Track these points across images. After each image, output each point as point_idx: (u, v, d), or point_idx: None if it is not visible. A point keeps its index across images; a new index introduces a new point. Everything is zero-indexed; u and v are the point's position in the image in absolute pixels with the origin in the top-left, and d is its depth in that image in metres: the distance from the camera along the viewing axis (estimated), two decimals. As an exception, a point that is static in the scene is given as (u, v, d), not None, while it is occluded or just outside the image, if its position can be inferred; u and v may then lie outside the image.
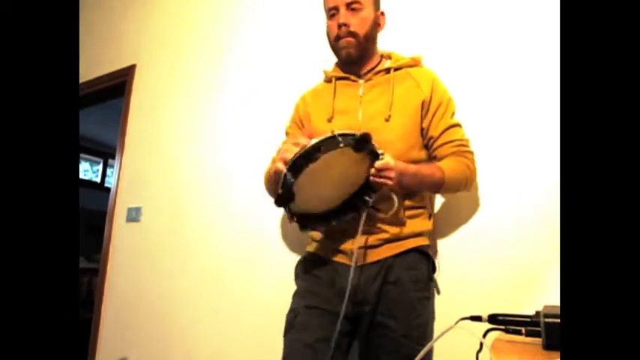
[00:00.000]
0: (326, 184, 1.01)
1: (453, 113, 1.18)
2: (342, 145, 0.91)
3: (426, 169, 1.10)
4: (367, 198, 1.03)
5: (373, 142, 0.95)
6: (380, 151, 0.97)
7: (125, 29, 2.59)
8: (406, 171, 1.03)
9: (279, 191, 0.95)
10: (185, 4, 2.29)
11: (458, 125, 1.17)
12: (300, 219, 1.04)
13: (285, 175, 0.92)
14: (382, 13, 1.24)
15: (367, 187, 1.03)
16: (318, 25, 1.29)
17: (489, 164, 1.27)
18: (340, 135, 0.92)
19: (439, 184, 1.09)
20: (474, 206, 1.29)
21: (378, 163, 0.97)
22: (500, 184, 1.26)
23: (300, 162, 0.91)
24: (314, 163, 0.91)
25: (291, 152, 0.93)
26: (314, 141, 0.92)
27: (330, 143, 0.92)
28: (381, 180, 0.99)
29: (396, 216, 1.08)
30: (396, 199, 1.03)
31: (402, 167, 1.01)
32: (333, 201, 1.06)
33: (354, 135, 0.94)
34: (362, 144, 0.94)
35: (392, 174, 0.98)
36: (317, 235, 1.19)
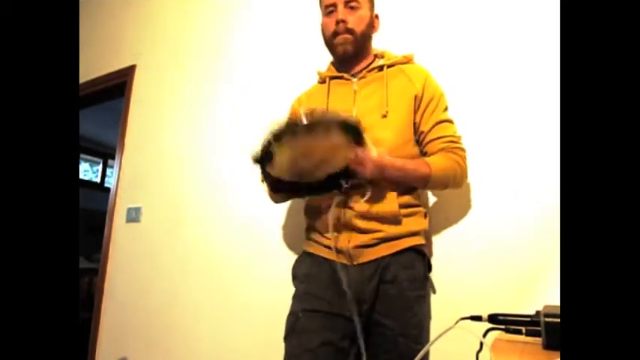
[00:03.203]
0: (307, 159, 1.01)
1: (445, 109, 1.18)
2: (328, 124, 0.95)
3: (411, 163, 1.09)
4: (342, 182, 1.02)
5: (362, 130, 0.97)
6: (367, 142, 0.98)
7: (125, 29, 2.60)
8: (391, 164, 1.03)
9: (259, 151, 0.98)
10: (185, 4, 2.29)
11: (449, 121, 1.17)
12: (273, 182, 1.05)
13: (269, 138, 0.95)
14: (377, 16, 1.25)
15: (346, 173, 1.03)
16: (318, 25, 1.29)
17: (486, 162, 1.27)
18: (333, 120, 0.95)
19: (425, 179, 1.09)
20: (472, 205, 1.29)
21: (359, 151, 0.98)
22: (498, 183, 1.26)
23: (285, 132, 0.94)
24: (298, 135, 0.94)
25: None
26: (306, 114, 0.95)
27: (320, 125, 0.95)
28: (357, 167, 0.99)
29: (389, 215, 1.08)
30: (369, 189, 1.04)
31: (387, 160, 1.01)
32: (310, 176, 1.05)
33: (345, 121, 0.96)
34: (350, 129, 0.96)
35: (369, 164, 0.99)
36: (312, 233, 1.19)
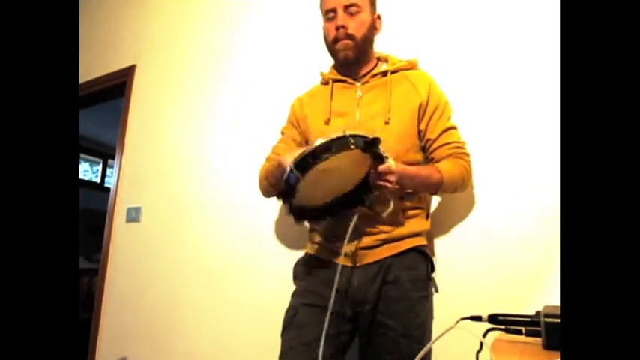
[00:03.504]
0: (326, 181, 1.01)
1: (450, 116, 1.19)
2: (352, 147, 0.89)
3: (424, 170, 1.10)
4: (363, 197, 1.02)
5: (381, 147, 0.94)
6: (385, 155, 0.96)
7: (125, 29, 2.59)
8: (405, 173, 1.03)
9: (283, 187, 0.93)
10: (185, 4, 2.29)
11: (454, 128, 1.18)
12: (296, 212, 1.03)
13: (291, 171, 0.89)
14: (379, 17, 1.24)
15: (365, 185, 1.03)
16: (318, 25, 1.29)
17: (487, 163, 1.27)
18: (351, 136, 0.90)
19: (437, 186, 1.10)
20: (473, 206, 1.29)
21: (382, 167, 0.96)
22: (498, 184, 1.26)
23: (309, 160, 0.89)
24: (322, 162, 0.89)
25: (291, 156, 0.92)
26: (323, 140, 0.89)
27: (340, 143, 0.89)
28: (382, 183, 0.98)
29: (392, 217, 1.07)
30: (392, 201, 1.03)
31: (401, 169, 1.01)
32: (329, 197, 1.06)
33: (365, 137, 0.92)
34: (371, 147, 0.93)
35: (393, 178, 0.98)
36: (316, 236, 1.19)
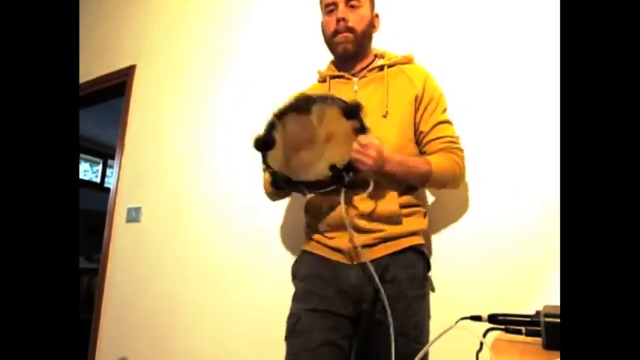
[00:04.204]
0: (309, 147, 1.01)
1: (444, 110, 1.19)
2: (329, 102, 0.95)
3: (412, 160, 1.10)
4: (343, 174, 1.02)
5: (363, 114, 0.97)
6: (367, 127, 0.98)
7: (125, 29, 2.60)
8: (392, 159, 1.03)
9: (263, 136, 0.98)
10: (185, 4, 2.29)
11: (448, 122, 1.18)
12: (275, 176, 1.05)
13: (273, 120, 0.95)
14: (377, 15, 1.26)
15: (348, 168, 1.03)
16: (318, 25, 1.29)
17: (486, 160, 1.27)
18: (335, 97, 0.95)
19: (425, 177, 1.09)
20: (472, 203, 1.29)
21: (361, 137, 0.97)
22: (498, 181, 1.26)
23: (287, 109, 0.95)
24: (301, 113, 0.94)
25: None
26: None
27: (321, 99, 0.95)
28: (361, 157, 0.98)
29: (389, 215, 1.08)
30: (372, 182, 1.02)
31: (387, 154, 1.02)
32: (313, 171, 1.06)
33: (346, 102, 0.96)
34: (352, 111, 0.96)
35: (373, 152, 0.98)
36: (312, 233, 1.19)
